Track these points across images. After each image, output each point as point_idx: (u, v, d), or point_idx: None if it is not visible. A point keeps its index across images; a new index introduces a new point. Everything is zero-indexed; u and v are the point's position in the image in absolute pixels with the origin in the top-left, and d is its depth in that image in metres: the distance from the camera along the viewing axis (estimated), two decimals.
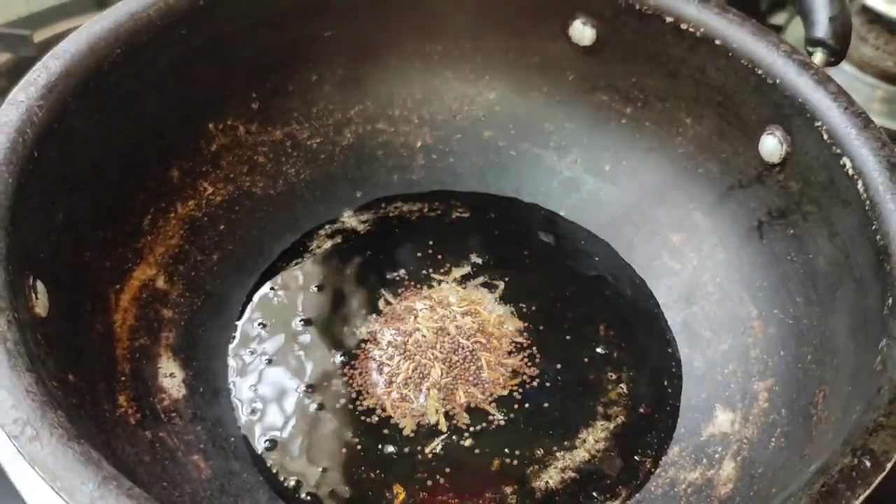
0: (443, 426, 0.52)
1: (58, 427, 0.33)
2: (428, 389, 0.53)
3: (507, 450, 0.51)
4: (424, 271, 0.60)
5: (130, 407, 0.47)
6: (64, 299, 0.45)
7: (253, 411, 0.52)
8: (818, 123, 0.50)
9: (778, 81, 0.52)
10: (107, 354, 0.48)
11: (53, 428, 0.33)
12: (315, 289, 0.59)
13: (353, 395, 0.53)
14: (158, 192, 0.55)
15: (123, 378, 0.48)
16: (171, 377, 0.51)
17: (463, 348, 0.54)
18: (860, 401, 0.39)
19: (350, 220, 0.63)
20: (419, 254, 0.61)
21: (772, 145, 0.54)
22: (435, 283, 0.60)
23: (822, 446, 0.41)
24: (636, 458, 0.52)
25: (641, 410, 0.54)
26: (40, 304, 0.42)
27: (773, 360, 0.52)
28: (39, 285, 0.42)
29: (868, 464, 0.34)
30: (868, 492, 0.34)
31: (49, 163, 0.45)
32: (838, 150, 0.49)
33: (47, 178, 0.45)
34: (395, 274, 0.60)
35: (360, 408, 0.52)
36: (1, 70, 0.80)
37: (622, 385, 0.55)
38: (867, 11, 0.78)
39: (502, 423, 0.52)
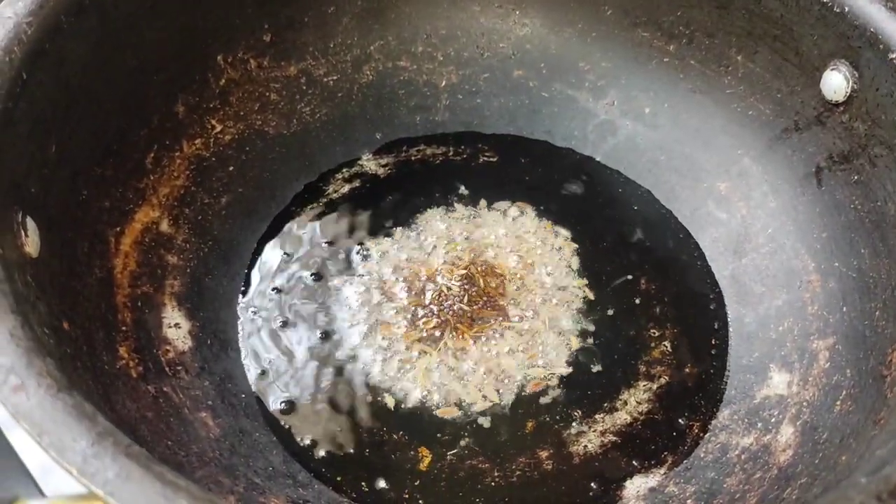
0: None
1: (46, 376, 0.29)
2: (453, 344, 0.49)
3: (541, 411, 0.47)
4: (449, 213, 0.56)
5: (132, 359, 0.43)
6: (58, 240, 0.40)
7: (265, 367, 0.48)
8: (893, 55, 0.45)
9: (846, 9, 0.47)
10: (106, 302, 0.44)
11: (41, 377, 0.29)
12: (330, 236, 0.54)
13: (375, 350, 0.49)
14: (162, 129, 0.51)
15: (124, 328, 0.44)
16: (176, 328, 0.47)
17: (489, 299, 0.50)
18: None
19: (369, 163, 0.59)
20: (445, 196, 0.57)
21: (836, 82, 0.49)
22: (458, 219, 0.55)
23: None
24: (682, 421, 0.47)
25: (687, 370, 0.50)
26: (31, 242, 0.38)
27: (834, 317, 0.47)
28: (30, 223, 0.38)
29: None
30: None
31: (40, 87, 0.40)
32: None
33: (38, 104, 0.40)
34: (418, 216, 0.56)
35: (381, 365, 0.48)
36: None
37: (665, 343, 0.51)
38: None
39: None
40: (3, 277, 0.32)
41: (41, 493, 0.45)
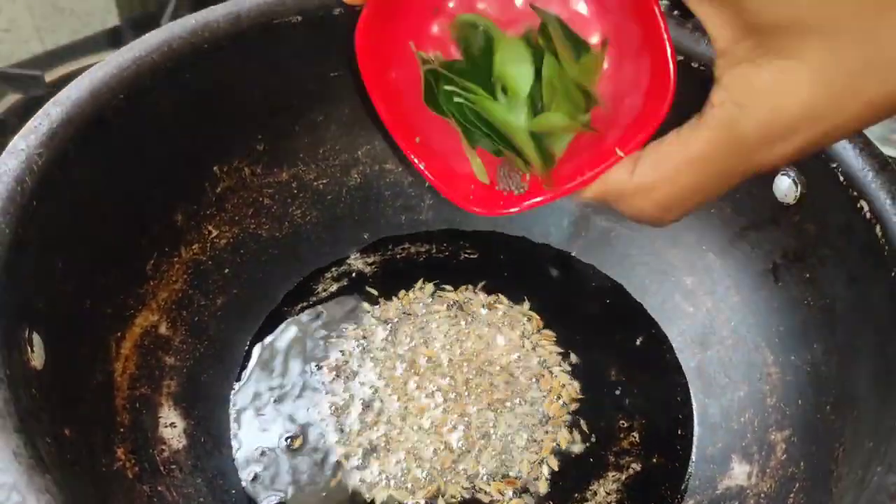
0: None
1: (45, 493, 0.32)
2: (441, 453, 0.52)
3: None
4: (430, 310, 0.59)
5: (129, 460, 0.46)
6: (62, 349, 0.44)
7: (256, 463, 0.51)
8: (833, 165, 0.49)
9: None
10: (105, 405, 0.47)
11: (41, 493, 0.32)
12: (321, 333, 0.58)
13: (363, 452, 0.52)
14: (162, 237, 0.55)
15: (122, 430, 0.47)
16: (171, 427, 0.50)
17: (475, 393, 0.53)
18: (881, 461, 0.37)
19: (356, 262, 0.62)
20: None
21: (786, 186, 0.53)
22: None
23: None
24: None
25: (654, 460, 0.52)
26: (36, 356, 0.41)
27: (790, 410, 0.50)
28: (36, 337, 0.42)
29: None
30: None
31: (48, 212, 0.44)
32: (855, 193, 0.47)
33: (46, 228, 0.44)
34: (407, 314, 0.59)
35: (367, 466, 0.51)
36: (13, 110, 0.80)
37: (634, 433, 0.53)
38: None
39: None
40: (9, 398, 0.36)
41: None
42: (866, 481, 0.38)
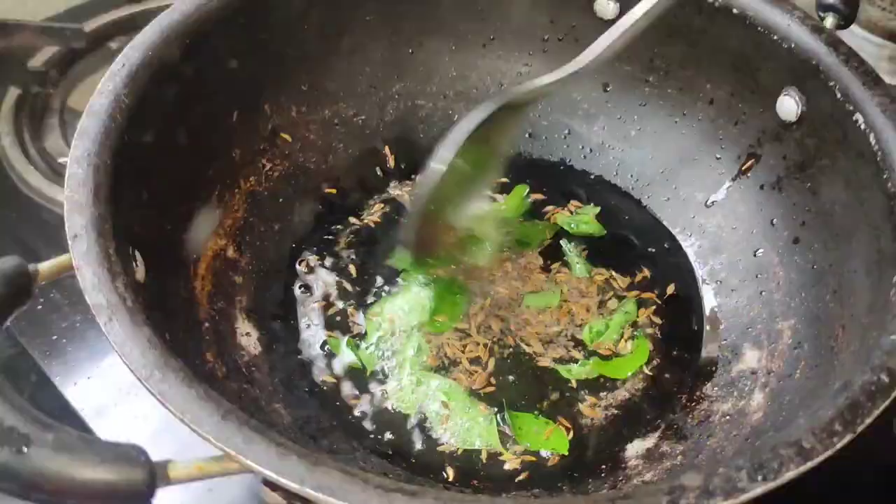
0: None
1: (180, 371, 0.38)
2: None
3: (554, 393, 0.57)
4: None
5: (217, 362, 0.52)
6: (155, 268, 0.50)
7: (323, 364, 0.57)
8: (832, 83, 0.54)
9: (793, 46, 0.57)
10: (192, 317, 0.53)
11: (177, 372, 0.38)
12: (366, 251, 0.64)
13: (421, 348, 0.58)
14: (224, 170, 0.60)
15: (207, 337, 0.53)
16: (247, 336, 0.56)
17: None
18: (877, 328, 0.44)
19: (395, 189, 0.68)
20: None
21: (788, 105, 0.59)
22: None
23: (844, 373, 0.46)
24: (672, 395, 0.57)
25: (675, 353, 0.59)
26: (140, 271, 0.47)
27: (794, 302, 0.56)
28: (138, 255, 0.47)
29: (886, 379, 0.39)
30: (886, 403, 0.39)
31: (136, 144, 0.50)
32: (851, 108, 0.53)
33: (135, 159, 0.49)
34: None
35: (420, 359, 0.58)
36: (52, 62, 0.84)
37: (657, 331, 0.60)
38: None
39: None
40: (134, 299, 0.41)
41: None
42: (863, 348, 0.44)
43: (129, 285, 0.42)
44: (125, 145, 0.48)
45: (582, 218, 0.67)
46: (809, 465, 0.36)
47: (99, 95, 0.49)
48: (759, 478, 0.35)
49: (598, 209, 0.68)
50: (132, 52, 0.52)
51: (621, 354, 0.59)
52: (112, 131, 0.48)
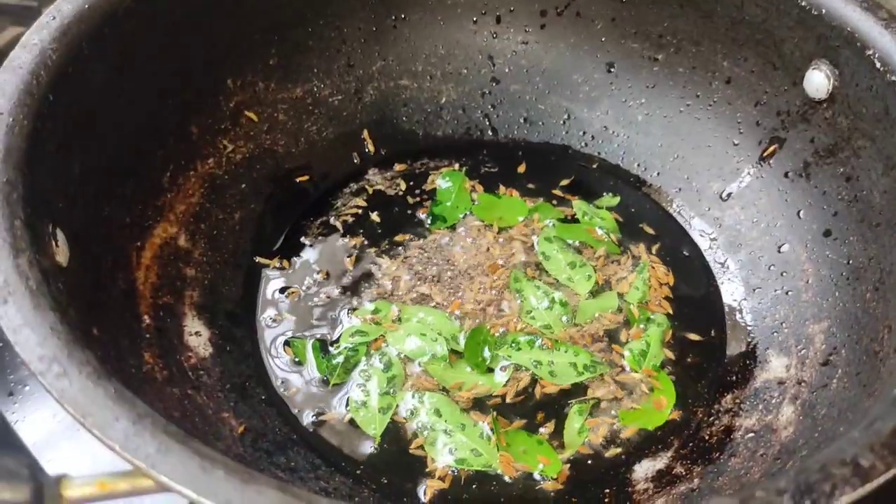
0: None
1: (87, 364, 0.31)
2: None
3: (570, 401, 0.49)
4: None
5: (157, 363, 0.45)
6: (85, 252, 0.42)
7: (285, 369, 0.50)
8: (869, 52, 0.47)
9: (823, 11, 0.50)
10: (130, 311, 0.46)
11: (82, 365, 0.31)
12: (342, 247, 0.56)
13: (384, 353, 0.51)
14: (178, 149, 0.53)
15: (148, 335, 0.46)
16: (196, 335, 0.49)
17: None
18: None
19: (375, 177, 0.61)
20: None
21: (818, 80, 0.52)
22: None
23: (893, 380, 0.39)
24: (687, 407, 0.49)
25: (689, 360, 0.51)
26: (61, 252, 0.40)
27: (827, 302, 0.49)
28: (59, 234, 0.40)
29: None
30: None
31: (64, 108, 0.42)
32: (894, 78, 0.46)
33: (62, 124, 0.42)
34: (423, 229, 0.58)
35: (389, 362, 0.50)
36: (13, 43, 0.78)
37: (670, 336, 0.53)
38: None
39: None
40: (41, 280, 0.34)
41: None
42: None
43: (36, 264, 0.35)
44: (50, 107, 0.41)
45: (599, 212, 0.59)
46: (869, 487, 0.29)
47: (21, 49, 0.43)
48: (808, 503, 0.28)
49: (616, 199, 0.60)
50: (65, 4, 0.45)
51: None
52: (34, 90, 0.41)
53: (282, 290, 0.54)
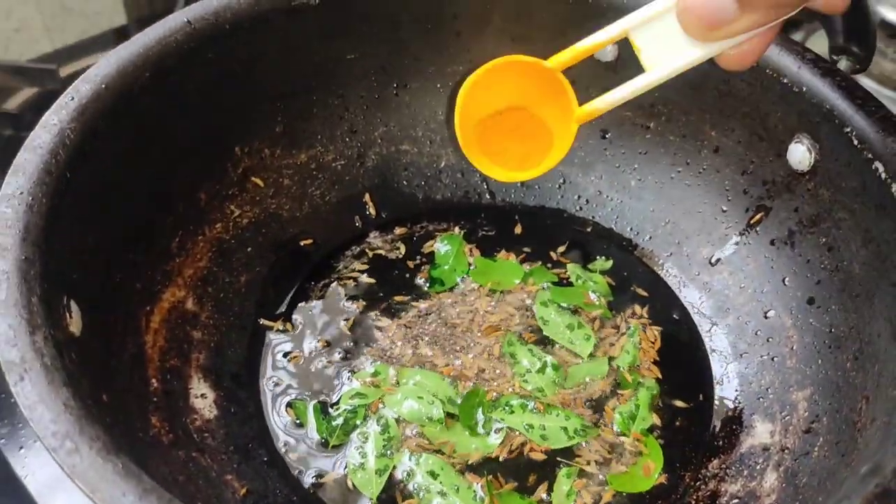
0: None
1: (97, 440, 0.33)
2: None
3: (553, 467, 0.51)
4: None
5: (163, 427, 0.47)
6: (96, 320, 0.45)
7: (287, 431, 0.52)
8: (847, 129, 0.50)
9: (804, 89, 0.52)
10: (139, 375, 0.48)
11: (93, 441, 0.33)
12: (343, 310, 0.58)
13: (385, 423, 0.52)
14: (187, 215, 0.56)
15: (156, 399, 0.48)
16: (202, 398, 0.51)
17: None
18: None
19: (376, 240, 0.63)
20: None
21: (800, 153, 0.54)
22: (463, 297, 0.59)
23: (868, 452, 0.40)
24: (674, 472, 0.51)
25: (678, 424, 0.53)
26: (74, 323, 0.42)
27: (810, 369, 0.51)
28: (73, 305, 0.42)
29: None
30: None
31: (81, 184, 0.45)
32: (869, 155, 0.48)
33: (79, 200, 0.45)
34: (423, 291, 0.60)
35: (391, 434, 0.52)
36: (28, 104, 0.81)
37: (658, 400, 0.54)
38: (887, 26, 0.77)
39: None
40: (55, 355, 0.36)
41: None
42: (892, 425, 0.39)
43: (51, 339, 0.37)
44: (67, 185, 0.44)
45: (592, 276, 0.61)
46: None
47: (42, 129, 0.45)
48: None
49: (609, 263, 0.62)
50: (83, 85, 0.48)
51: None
52: (53, 169, 0.43)
53: (285, 355, 0.55)
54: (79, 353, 0.41)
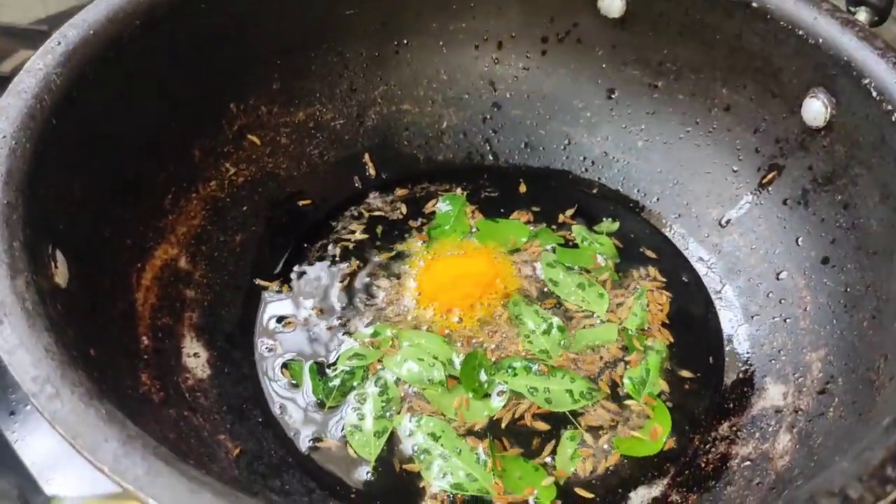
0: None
1: (79, 385, 0.32)
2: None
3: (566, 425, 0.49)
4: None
5: (154, 385, 0.45)
6: (84, 273, 0.43)
7: (282, 392, 0.50)
8: (866, 81, 0.48)
9: (820, 41, 0.50)
10: (128, 332, 0.46)
11: (75, 386, 0.31)
12: (341, 271, 0.57)
13: (384, 383, 0.51)
14: (180, 172, 0.54)
15: (146, 356, 0.46)
16: (195, 357, 0.49)
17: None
18: None
19: (375, 201, 0.61)
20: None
21: (815, 109, 0.52)
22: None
23: (889, 410, 0.39)
24: (683, 435, 0.49)
25: (687, 387, 0.51)
26: (60, 273, 0.40)
27: (825, 330, 0.49)
28: (59, 255, 0.41)
29: None
30: None
31: (67, 131, 0.43)
32: (889, 107, 0.46)
33: (65, 147, 0.43)
34: (423, 252, 0.58)
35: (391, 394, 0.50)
36: (19, 70, 0.79)
37: (667, 362, 0.53)
38: None
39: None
40: (37, 301, 0.35)
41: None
42: None
43: (34, 285, 0.35)
44: (53, 131, 0.42)
45: (598, 238, 0.59)
46: None
47: (26, 74, 0.43)
48: None
49: (616, 224, 0.61)
50: (70, 30, 0.46)
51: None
52: (37, 114, 0.42)
53: (280, 318, 0.54)
54: (64, 304, 0.39)
